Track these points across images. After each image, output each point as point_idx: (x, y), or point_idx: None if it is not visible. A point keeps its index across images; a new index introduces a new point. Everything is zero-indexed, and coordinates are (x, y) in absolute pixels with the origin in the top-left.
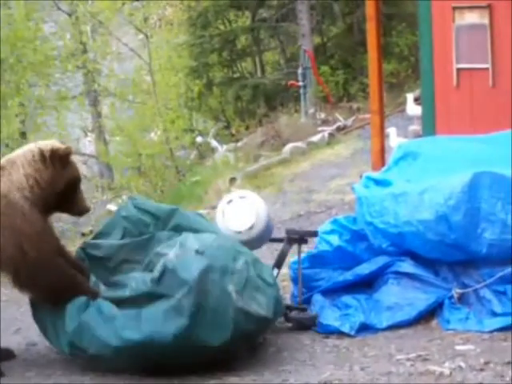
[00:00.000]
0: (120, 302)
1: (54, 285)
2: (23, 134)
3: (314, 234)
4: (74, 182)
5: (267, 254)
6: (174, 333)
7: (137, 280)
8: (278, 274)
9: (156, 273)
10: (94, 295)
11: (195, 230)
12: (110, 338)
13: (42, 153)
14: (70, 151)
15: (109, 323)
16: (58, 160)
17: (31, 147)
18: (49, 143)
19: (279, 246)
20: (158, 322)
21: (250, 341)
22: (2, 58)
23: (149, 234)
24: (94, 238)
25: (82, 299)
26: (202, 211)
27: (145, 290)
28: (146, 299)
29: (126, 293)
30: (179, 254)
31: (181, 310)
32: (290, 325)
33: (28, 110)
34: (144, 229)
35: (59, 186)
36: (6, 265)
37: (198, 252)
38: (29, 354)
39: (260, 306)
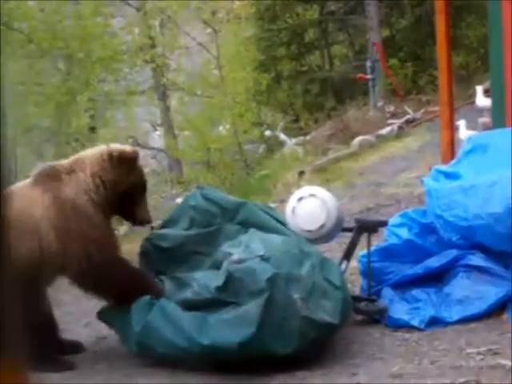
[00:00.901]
0: (183, 304)
1: (119, 286)
2: (92, 129)
3: (384, 223)
4: (137, 187)
5: (335, 246)
6: (240, 341)
7: (200, 284)
8: (347, 266)
9: (220, 280)
10: (158, 294)
11: (262, 227)
12: (177, 338)
13: (110, 153)
14: (137, 155)
15: (174, 324)
16: (125, 162)
17: (101, 147)
18: (119, 146)
19: (347, 239)
20: (224, 330)
21: (316, 347)
22: (71, 54)
23: (216, 226)
24: (161, 227)
25: (146, 299)
26: (271, 204)
27: (208, 297)
28: (210, 305)
29: (188, 295)
30: (244, 258)
31: (248, 319)
32: (359, 317)
33: (97, 105)
34: (211, 220)
35: (123, 188)
36: (72, 268)
37: (263, 258)
38: (98, 347)
39: (326, 312)
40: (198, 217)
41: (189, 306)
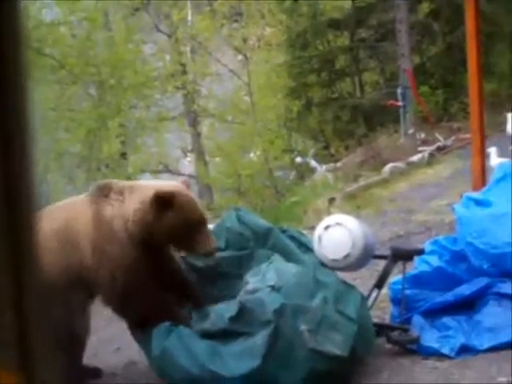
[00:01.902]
0: (203, 333)
1: (142, 312)
2: (123, 155)
3: (420, 251)
4: (190, 222)
5: (366, 273)
6: (243, 373)
7: (216, 313)
8: (378, 294)
9: (233, 311)
10: (183, 323)
11: (286, 254)
12: (191, 365)
13: (150, 195)
14: (172, 196)
15: (189, 351)
16: (161, 203)
17: (151, 184)
18: (167, 185)
19: (378, 267)
20: (231, 361)
21: (328, 380)
22: (102, 80)
23: (249, 250)
24: None
25: (166, 325)
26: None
27: (222, 327)
28: (224, 335)
29: (206, 325)
30: (257, 288)
31: (254, 351)
32: (390, 346)
33: (128, 131)
34: (245, 243)
35: (161, 228)
36: (100, 287)
37: (273, 288)
38: (129, 373)
39: (335, 345)
40: (232, 239)
41: (207, 335)
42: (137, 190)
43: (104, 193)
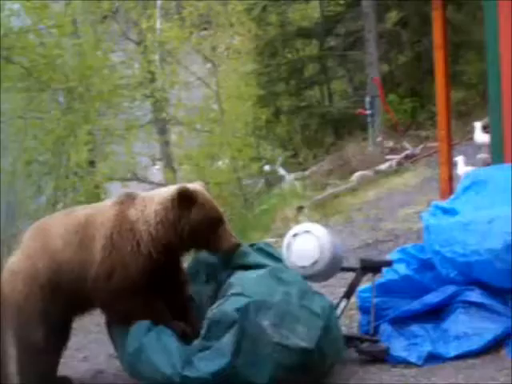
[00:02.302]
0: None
1: (128, 317)
2: (92, 163)
3: (389, 263)
4: (211, 220)
5: (334, 282)
6: (213, 372)
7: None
8: (347, 304)
9: (203, 330)
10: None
11: (255, 266)
12: (164, 365)
13: (172, 193)
14: (196, 193)
15: (165, 351)
16: (184, 201)
17: (172, 187)
18: (190, 186)
19: (346, 276)
20: (203, 362)
21: (297, 375)
22: (71, 88)
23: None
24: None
25: (146, 323)
26: (269, 240)
27: (197, 343)
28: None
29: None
30: (221, 302)
31: (222, 351)
32: (359, 356)
33: (96, 139)
34: (216, 272)
35: (184, 227)
36: (97, 278)
37: (235, 294)
38: (96, 382)
39: (300, 337)
40: (210, 271)
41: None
42: (156, 195)
43: (129, 199)
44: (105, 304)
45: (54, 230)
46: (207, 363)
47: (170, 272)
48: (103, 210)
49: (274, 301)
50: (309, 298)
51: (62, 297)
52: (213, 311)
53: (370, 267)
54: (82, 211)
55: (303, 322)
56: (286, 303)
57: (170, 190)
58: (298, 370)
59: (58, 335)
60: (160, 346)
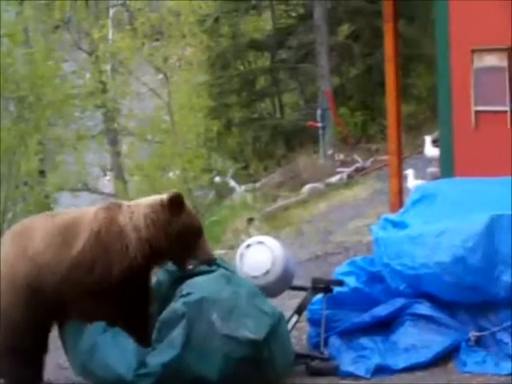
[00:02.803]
0: None
1: (96, 315)
2: (42, 173)
3: (340, 283)
4: (191, 229)
5: (284, 295)
6: (163, 363)
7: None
8: (297, 320)
9: (154, 334)
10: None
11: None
12: (118, 364)
13: (162, 197)
14: (184, 200)
15: (120, 350)
16: (175, 206)
17: (157, 196)
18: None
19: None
20: (154, 357)
21: (247, 369)
22: (22, 97)
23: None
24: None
25: (103, 323)
26: (219, 251)
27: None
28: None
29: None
30: (171, 304)
31: (171, 344)
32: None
33: (47, 149)
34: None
35: (173, 231)
36: (77, 265)
37: (183, 295)
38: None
39: (249, 330)
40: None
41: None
42: (142, 203)
43: (116, 206)
44: (75, 299)
45: (34, 233)
46: (157, 356)
47: (142, 287)
48: (90, 214)
49: (222, 297)
50: (258, 299)
51: (42, 302)
52: (162, 314)
53: (321, 287)
54: (67, 214)
55: (252, 317)
56: (235, 300)
57: (157, 197)
58: (249, 365)
59: (41, 341)
60: (115, 345)
